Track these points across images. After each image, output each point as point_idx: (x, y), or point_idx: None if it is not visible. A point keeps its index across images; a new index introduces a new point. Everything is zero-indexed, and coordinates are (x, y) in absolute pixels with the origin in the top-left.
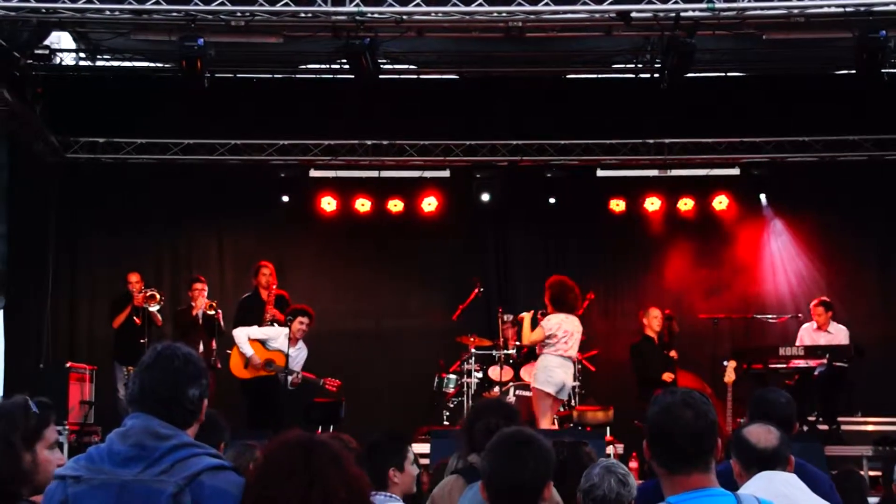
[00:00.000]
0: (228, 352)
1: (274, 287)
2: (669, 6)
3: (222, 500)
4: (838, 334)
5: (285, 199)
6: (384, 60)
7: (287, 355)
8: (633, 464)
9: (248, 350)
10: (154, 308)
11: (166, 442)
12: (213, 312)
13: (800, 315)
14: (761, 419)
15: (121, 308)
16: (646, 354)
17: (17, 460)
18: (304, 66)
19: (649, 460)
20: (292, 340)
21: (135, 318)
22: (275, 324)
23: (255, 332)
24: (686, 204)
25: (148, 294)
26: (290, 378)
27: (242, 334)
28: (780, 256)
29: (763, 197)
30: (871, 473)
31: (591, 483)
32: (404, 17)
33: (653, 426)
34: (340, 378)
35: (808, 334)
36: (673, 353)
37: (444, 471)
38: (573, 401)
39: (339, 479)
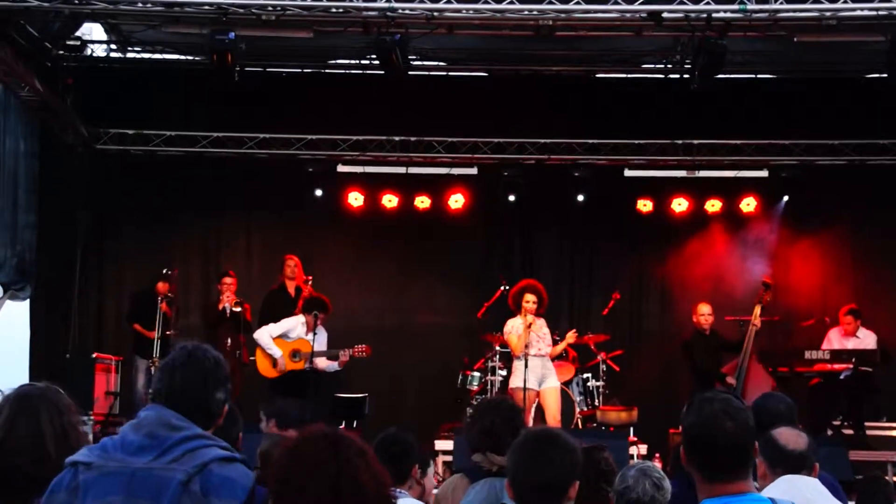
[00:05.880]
0: (253, 358)
1: (304, 282)
2: (701, 7)
3: (231, 490)
4: (866, 339)
5: (318, 193)
6: (414, 57)
7: (312, 341)
8: (657, 465)
9: (276, 351)
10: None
11: (178, 433)
12: (239, 309)
13: (826, 319)
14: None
15: (145, 312)
16: (694, 349)
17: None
18: (333, 62)
19: (686, 467)
20: (308, 326)
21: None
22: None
23: (275, 328)
24: (713, 205)
25: (168, 298)
26: (337, 360)
27: (265, 335)
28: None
29: (785, 199)
30: None
31: (626, 485)
32: (435, 13)
33: (692, 436)
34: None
35: (836, 338)
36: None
37: None
38: (597, 401)
39: (366, 471)
